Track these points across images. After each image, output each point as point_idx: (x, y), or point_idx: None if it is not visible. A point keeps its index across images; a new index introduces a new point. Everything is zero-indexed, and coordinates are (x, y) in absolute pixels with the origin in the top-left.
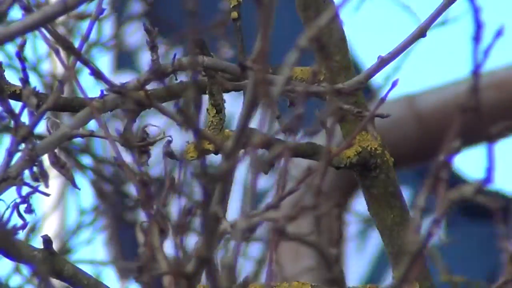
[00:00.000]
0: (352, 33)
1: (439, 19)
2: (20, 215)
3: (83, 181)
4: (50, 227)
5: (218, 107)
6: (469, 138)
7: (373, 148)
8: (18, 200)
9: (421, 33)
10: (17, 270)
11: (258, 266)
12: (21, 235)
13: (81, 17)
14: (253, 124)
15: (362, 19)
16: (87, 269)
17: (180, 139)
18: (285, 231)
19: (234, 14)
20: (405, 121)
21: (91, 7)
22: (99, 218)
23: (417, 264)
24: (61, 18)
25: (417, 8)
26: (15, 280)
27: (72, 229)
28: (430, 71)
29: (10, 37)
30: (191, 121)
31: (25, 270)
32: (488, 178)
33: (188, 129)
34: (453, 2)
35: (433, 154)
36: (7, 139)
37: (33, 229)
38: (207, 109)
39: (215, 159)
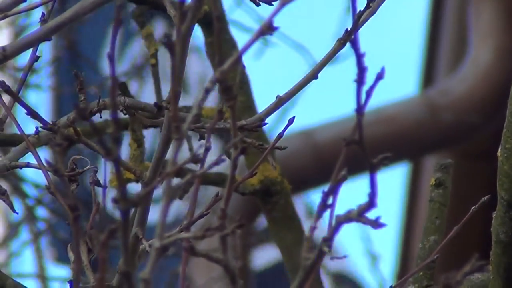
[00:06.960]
0: (256, 75)
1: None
2: None
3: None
4: None
5: (139, 141)
6: (356, 168)
7: (274, 177)
8: None
9: (313, 75)
10: None
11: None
12: None
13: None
14: (168, 155)
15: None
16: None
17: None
18: (194, 249)
19: (153, 61)
20: (302, 153)
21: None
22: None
23: (311, 277)
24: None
25: (313, 49)
26: None
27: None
28: (326, 106)
29: None
30: (112, 154)
31: None
32: (371, 203)
33: (110, 161)
34: (341, 48)
35: (327, 181)
36: None
37: None
38: (130, 144)
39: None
